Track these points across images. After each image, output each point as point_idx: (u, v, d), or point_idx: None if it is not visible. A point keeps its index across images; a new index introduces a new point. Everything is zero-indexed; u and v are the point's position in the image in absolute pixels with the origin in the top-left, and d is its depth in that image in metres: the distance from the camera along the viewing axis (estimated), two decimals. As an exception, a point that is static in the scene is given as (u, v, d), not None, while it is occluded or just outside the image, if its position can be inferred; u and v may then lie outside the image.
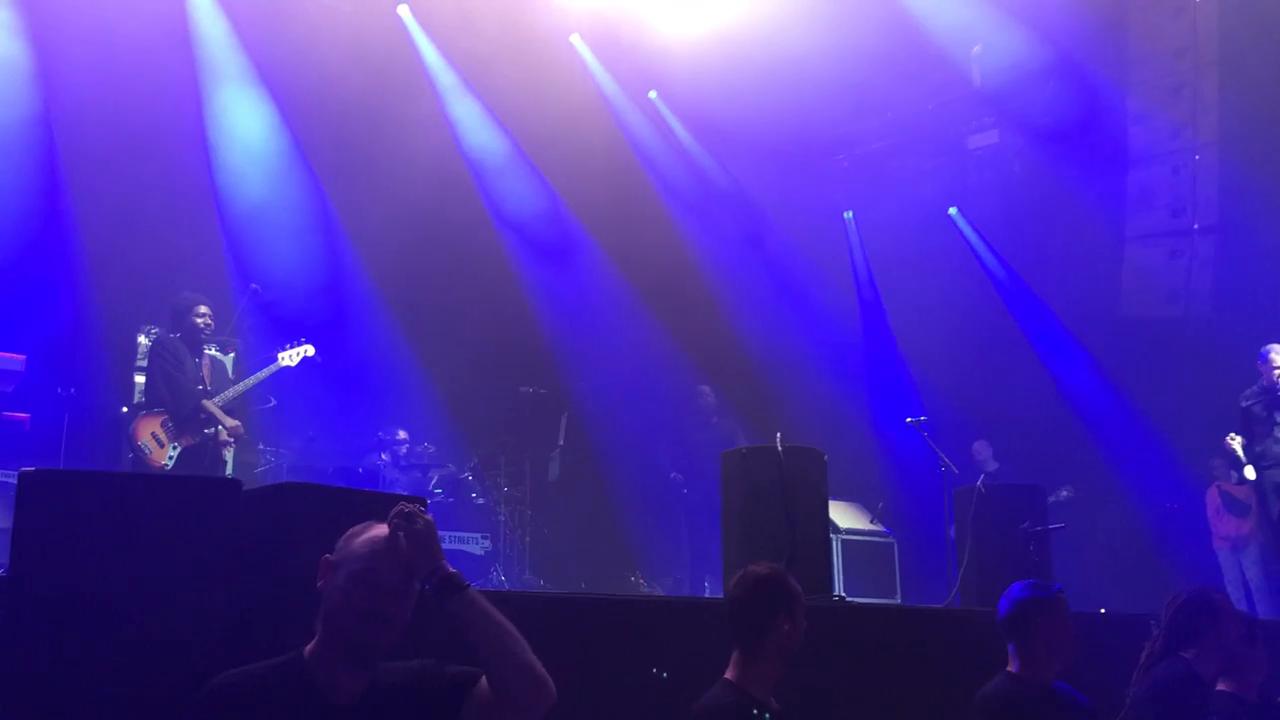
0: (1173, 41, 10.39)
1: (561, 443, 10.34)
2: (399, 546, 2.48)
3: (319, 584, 2.51)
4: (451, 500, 9.34)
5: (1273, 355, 7.82)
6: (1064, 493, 9.06)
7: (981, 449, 10.36)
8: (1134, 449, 10.50)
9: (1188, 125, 10.44)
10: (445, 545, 8.12)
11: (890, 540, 8.88)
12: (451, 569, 2.51)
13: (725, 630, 3.45)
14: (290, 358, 7.83)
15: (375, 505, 2.80)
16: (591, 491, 10.75)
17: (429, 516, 2.55)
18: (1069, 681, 4.00)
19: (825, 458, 6.27)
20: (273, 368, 7.73)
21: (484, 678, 2.53)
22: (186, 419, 7.06)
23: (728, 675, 3.35)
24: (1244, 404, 7.94)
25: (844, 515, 8.68)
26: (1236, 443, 7.70)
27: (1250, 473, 7.53)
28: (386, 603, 2.45)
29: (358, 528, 2.56)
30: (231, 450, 7.53)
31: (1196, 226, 10.27)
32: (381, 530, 2.52)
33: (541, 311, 11.35)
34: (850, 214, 12.83)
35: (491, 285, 11.10)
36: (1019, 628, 3.84)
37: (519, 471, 9.83)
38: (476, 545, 9.18)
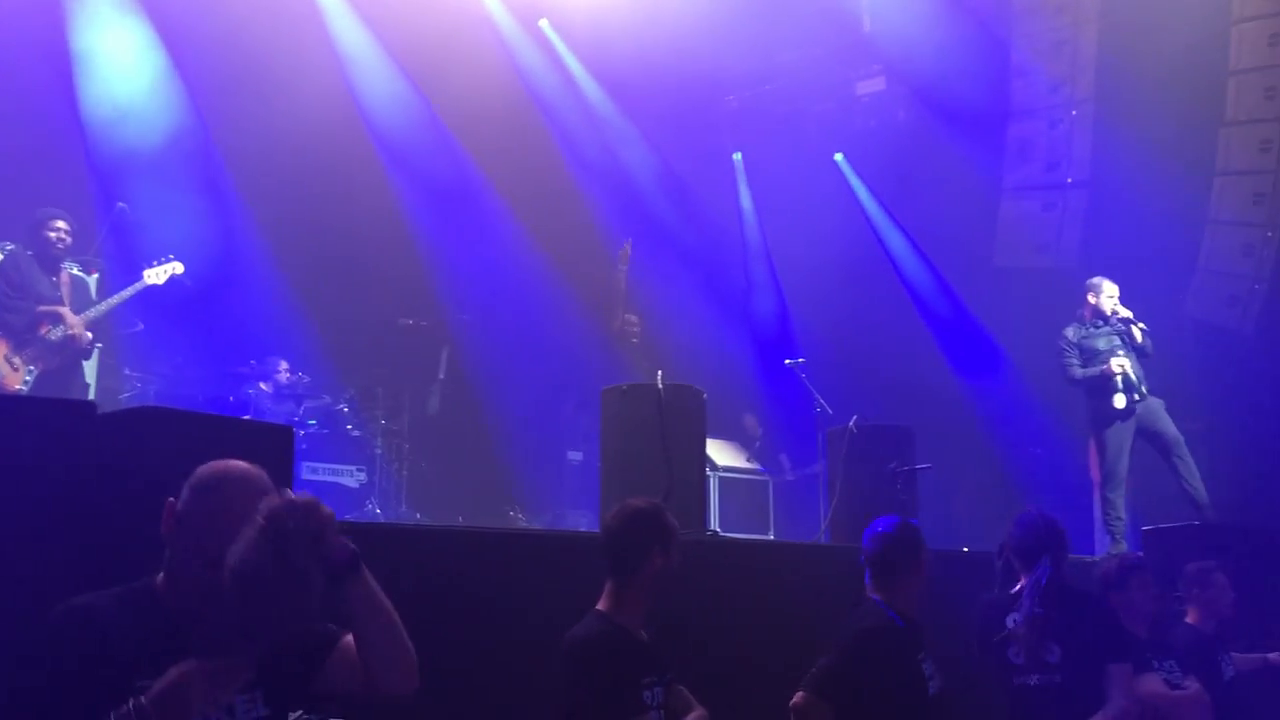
0: (1056, -3, 10.61)
1: (442, 376, 10.21)
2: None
3: (162, 530, 2.39)
4: (326, 432, 9.16)
5: (1104, 285, 8.02)
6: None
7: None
8: (1003, 395, 10.88)
9: (1067, 81, 10.69)
10: (319, 478, 7.99)
11: (765, 478, 9.07)
12: (353, 548, 2.36)
13: (600, 563, 3.46)
14: (157, 275, 7.53)
15: (236, 432, 2.70)
16: (471, 426, 10.66)
17: (318, 506, 2.28)
18: (933, 618, 4.13)
19: (704, 396, 6.32)
20: (138, 285, 7.44)
21: (349, 641, 2.50)
22: (24, 331, 6.75)
23: (599, 607, 3.36)
24: (1075, 338, 7.99)
25: (722, 453, 8.81)
26: (1127, 366, 7.71)
27: (1120, 400, 7.69)
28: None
29: (205, 476, 2.41)
30: (94, 370, 7.24)
31: (1070, 180, 10.58)
32: (233, 492, 2.36)
33: (424, 243, 11.13)
34: (739, 155, 12.87)
35: (373, 215, 10.81)
36: (880, 561, 3.94)
37: (397, 404, 9.69)
38: (351, 478, 9.04)
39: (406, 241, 11.05)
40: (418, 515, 9.24)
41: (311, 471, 8.81)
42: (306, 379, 9.49)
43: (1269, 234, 9.98)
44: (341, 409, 9.39)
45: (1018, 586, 4.23)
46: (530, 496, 10.23)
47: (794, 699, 3.59)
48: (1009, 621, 4.14)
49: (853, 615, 3.89)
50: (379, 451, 9.31)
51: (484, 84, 11.17)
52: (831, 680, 3.59)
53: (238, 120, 10.06)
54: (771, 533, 8.65)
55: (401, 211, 11.09)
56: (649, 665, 3.30)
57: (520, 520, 9.78)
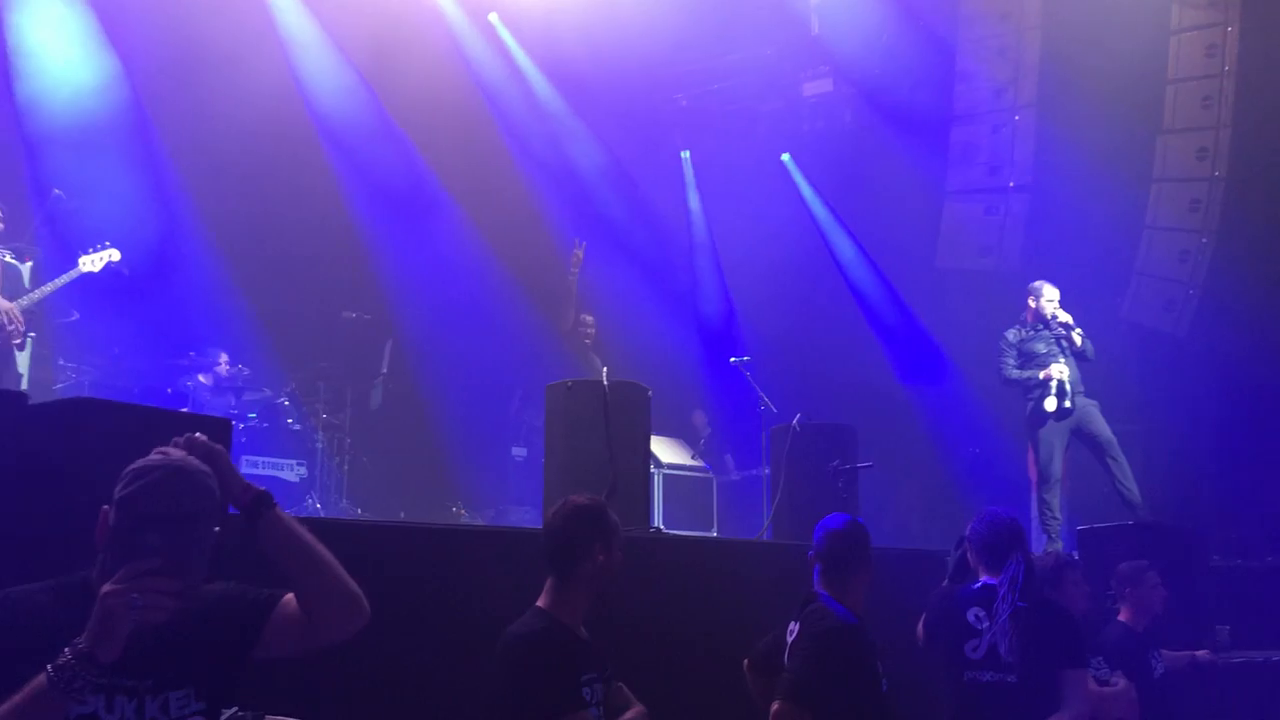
0: (1000, 3, 10.75)
1: (385, 370, 10.12)
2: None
3: (96, 538, 2.33)
4: (266, 425, 9.05)
5: (1045, 289, 8.16)
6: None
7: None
8: (944, 395, 11.01)
9: (1010, 86, 10.85)
10: (259, 471, 7.91)
11: (710, 475, 9.09)
12: (260, 488, 2.43)
13: (543, 560, 3.45)
14: (93, 262, 7.38)
15: (172, 425, 2.65)
16: (414, 421, 10.58)
17: (207, 441, 2.42)
18: (873, 616, 4.16)
19: (649, 393, 6.33)
20: (74, 273, 7.28)
21: (289, 598, 2.47)
22: None
23: (540, 604, 3.35)
24: (1014, 340, 8.08)
25: (667, 450, 8.82)
26: (1065, 373, 7.78)
27: (1051, 404, 7.82)
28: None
29: (138, 472, 2.35)
30: (27, 360, 7.07)
31: (1012, 184, 10.74)
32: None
33: (369, 236, 11.01)
34: (687, 153, 12.89)
35: (318, 206, 10.67)
36: (833, 558, 3.96)
37: (339, 398, 9.58)
38: (291, 472, 8.94)
39: (351, 234, 10.92)
40: (359, 510, 9.16)
41: (251, 465, 8.70)
42: (247, 371, 9.36)
43: (1204, 240, 10.21)
44: (282, 402, 9.28)
45: (979, 582, 4.24)
46: (473, 492, 10.17)
47: (773, 709, 3.60)
48: (971, 616, 4.14)
49: (805, 614, 3.89)
50: (320, 446, 9.21)
51: (432, 77, 11.09)
52: (805, 685, 3.60)
53: (180, 107, 9.89)
54: (715, 530, 8.68)
55: (346, 203, 10.96)
56: (589, 662, 3.29)
57: (463, 516, 9.72)
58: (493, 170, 11.62)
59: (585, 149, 12.28)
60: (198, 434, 2.43)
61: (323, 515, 8.40)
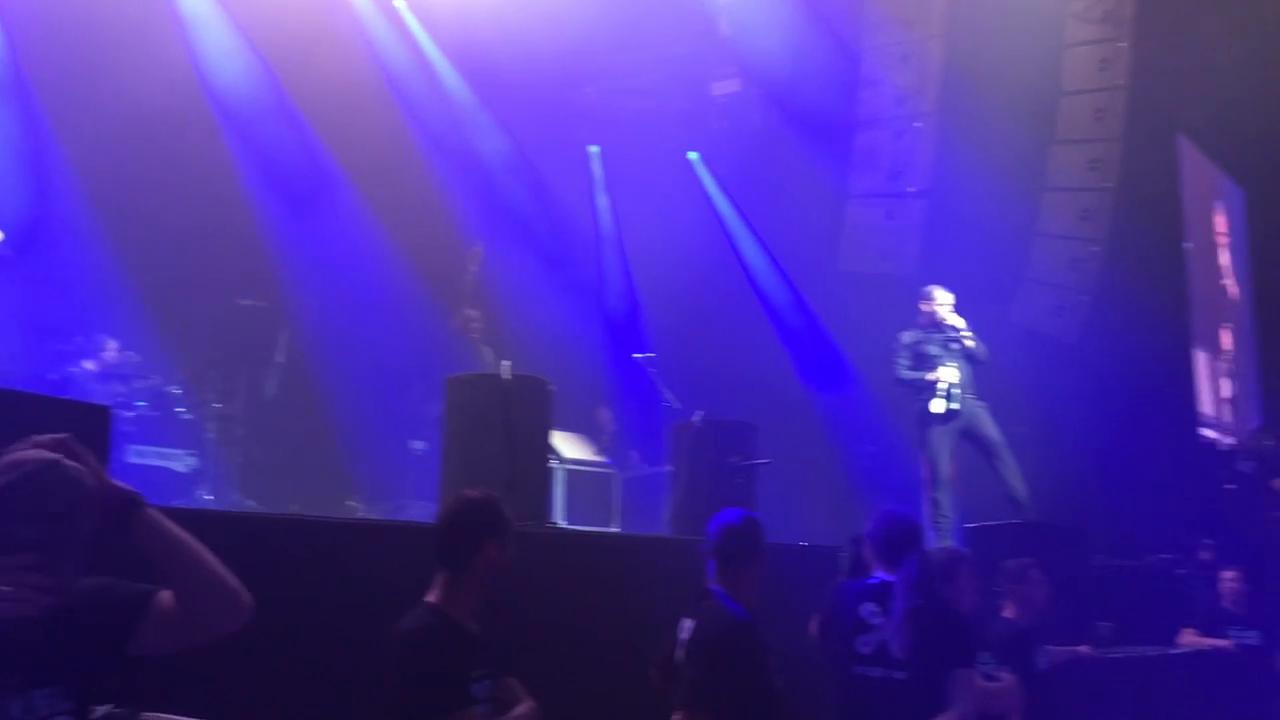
0: (904, 11, 10.96)
1: (280, 359, 9.87)
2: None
3: None
4: (155, 414, 8.76)
5: (937, 293, 8.35)
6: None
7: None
8: (844, 395, 11.19)
9: (912, 94, 11.08)
10: (147, 461, 7.62)
11: (612, 471, 9.09)
12: (131, 490, 2.35)
13: (433, 554, 3.40)
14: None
15: (49, 412, 2.54)
16: (310, 412, 10.35)
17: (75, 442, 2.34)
18: (766, 611, 4.18)
19: (551, 388, 6.30)
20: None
21: (166, 594, 2.39)
22: None
23: (429, 598, 3.30)
24: (909, 342, 8.23)
25: (569, 445, 8.79)
26: (953, 376, 7.94)
27: (938, 406, 7.98)
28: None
29: (11, 465, 2.26)
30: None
31: (911, 190, 10.96)
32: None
33: (266, 221, 10.73)
34: (595, 148, 12.86)
35: (213, 190, 10.36)
36: (726, 553, 3.98)
37: (232, 387, 9.31)
38: (181, 463, 8.67)
39: (247, 219, 10.62)
40: (251, 502, 8.93)
41: (139, 455, 8.42)
42: (136, 358, 9.06)
43: (1094, 248, 10.56)
44: (173, 390, 9.00)
45: (875, 578, 4.29)
46: (371, 486, 10.00)
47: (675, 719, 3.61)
48: (864, 611, 4.18)
49: (698, 612, 3.90)
50: (212, 436, 8.96)
51: (336, 60, 10.84)
52: (705, 691, 3.62)
53: (65, 82, 9.52)
54: (616, 526, 8.68)
55: (242, 187, 10.65)
56: (478, 658, 3.25)
57: (358, 510, 9.56)
58: (396, 158, 11.41)
59: (492, 139, 12.15)
60: (66, 435, 2.34)
61: (214, 507, 8.17)
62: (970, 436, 8.10)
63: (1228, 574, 8.00)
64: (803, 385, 11.51)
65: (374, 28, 11.51)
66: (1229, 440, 11.05)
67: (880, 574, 4.26)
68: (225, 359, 9.41)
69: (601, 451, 9.50)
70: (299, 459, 9.98)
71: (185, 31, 10.33)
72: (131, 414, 8.41)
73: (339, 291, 10.73)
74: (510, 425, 5.68)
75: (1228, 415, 11.89)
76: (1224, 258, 12.71)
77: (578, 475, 8.62)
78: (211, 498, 8.59)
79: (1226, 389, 12.08)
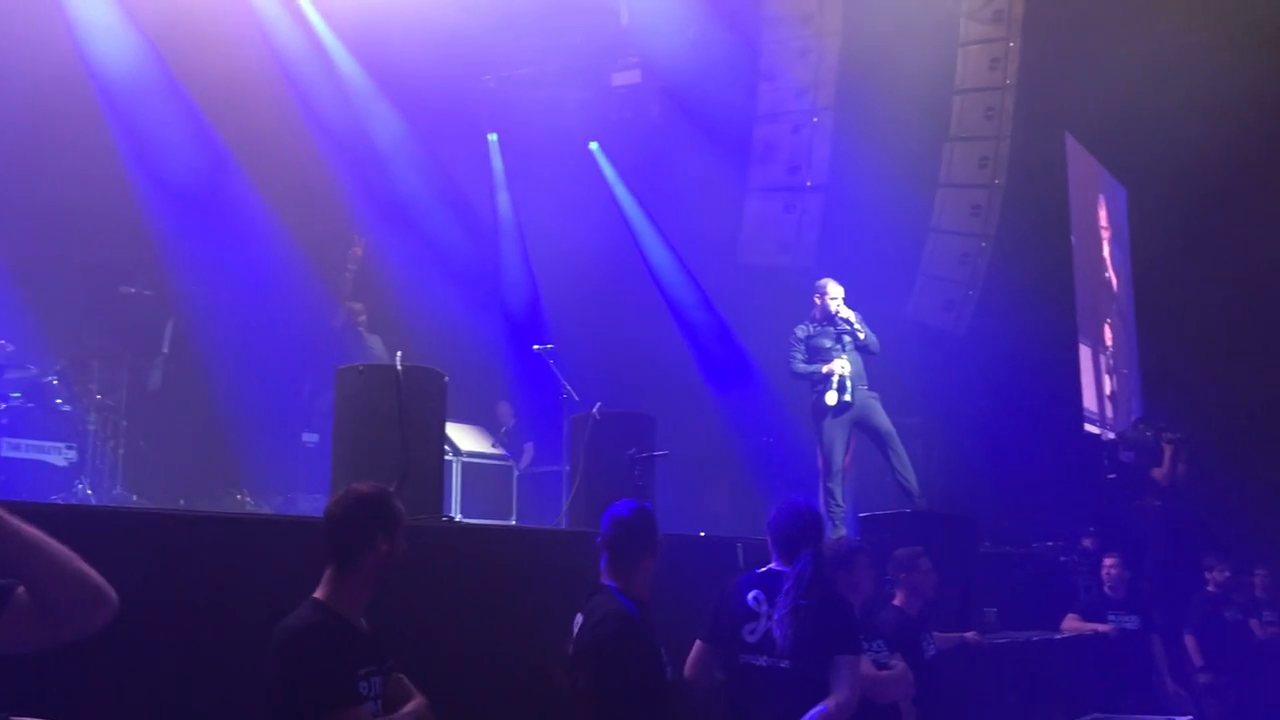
0: (803, 7, 11.08)
1: (166, 350, 9.54)
2: None
3: None
4: (31, 405, 8.36)
5: (829, 286, 8.47)
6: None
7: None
8: (741, 387, 11.28)
9: (810, 89, 11.21)
10: (21, 455, 7.28)
11: (509, 464, 9.02)
12: None
13: (321, 549, 3.31)
14: None
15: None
16: (197, 404, 10.03)
17: None
18: (663, 603, 4.18)
19: (446, 379, 6.20)
20: None
21: (23, 591, 2.26)
22: None
23: (317, 595, 3.21)
24: (803, 336, 8.30)
25: (466, 438, 8.69)
26: (845, 369, 8.00)
27: (831, 398, 8.09)
28: None
29: None
30: None
31: (809, 184, 11.09)
32: None
33: (152, 207, 10.34)
34: (494, 136, 12.73)
35: (94, 172, 9.94)
36: (617, 545, 3.97)
37: (114, 378, 8.96)
38: (59, 456, 8.30)
39: (130, 204, 10.23)
40: (134, 497, 8.62)
41: (13, 449, 8.05)
42: (10, 347, 8.64)
43: (983, 244, 10.83)
44: (50, 381, 8.61)
45: (767, 567, 4.30)
46: (261, 479, 9.73)
47: None
48: (750, 599, 4.20)
49: (589, 607, 3.88)
50: (92, 428, 8.60)
51: (227, 43, 10.50)
52: (595, 700, 3.62)
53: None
54: (514, 519, 8.60)
55: (127, 171, 10.25)
56: (367, 655, 3.18)
57: (247, 504, 9.31)
58: (288, 144, 11.10)
59: (388, 126, 11.92)
60: None
61: (94, 503, 7.87)
62: (863, 427, 8.23)
63: (1109, 561, 8.27)
64: (702, 377, 11.57)
65: (267, 9, 11.18)
66: (1111, 435, 11.47)
67: (774, 564, 4.28)
68: (107, 349, 9.05)
69: (499, 444, 9.41)
70: (185, 453, 9.67)
71: (64, 5, 9.90)
72: (4, 405, 8.05)
73: (229, 280, 10.40)
74: (402, 418, 5.57)
75: (1110, 411, 12.35)
76: (1106, 250, 13.19)
77: (474, 468, 8.53)
78: (90, 493, 8.27)
79: (1109, 385, 12.54)
